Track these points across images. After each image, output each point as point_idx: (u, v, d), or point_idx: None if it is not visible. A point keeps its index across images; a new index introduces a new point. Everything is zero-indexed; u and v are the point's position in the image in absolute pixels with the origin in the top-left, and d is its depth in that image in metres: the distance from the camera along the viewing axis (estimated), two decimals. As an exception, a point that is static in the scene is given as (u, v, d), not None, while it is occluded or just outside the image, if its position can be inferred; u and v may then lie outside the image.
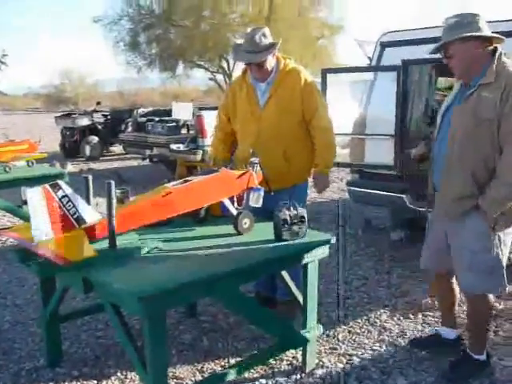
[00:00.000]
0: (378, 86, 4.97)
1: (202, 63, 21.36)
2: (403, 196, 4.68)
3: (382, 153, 4.78)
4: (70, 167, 11.29)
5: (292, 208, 2.72)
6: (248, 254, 2.51)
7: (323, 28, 20.28)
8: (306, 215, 2.75)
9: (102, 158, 13.01)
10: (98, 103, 13.91)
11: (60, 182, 2.32)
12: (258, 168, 3.01)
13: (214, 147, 3.71)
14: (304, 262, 2.71)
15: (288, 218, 2.67)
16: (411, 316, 3.72)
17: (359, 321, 3.65)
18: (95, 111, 13.49)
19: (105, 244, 2.40)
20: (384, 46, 4.88)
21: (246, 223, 2.82)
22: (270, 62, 3.28)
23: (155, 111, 10.70)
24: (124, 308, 2.31)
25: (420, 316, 3.72)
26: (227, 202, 2.87)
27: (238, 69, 21.51)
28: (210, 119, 8.53)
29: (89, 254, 2.15)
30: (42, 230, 2.24)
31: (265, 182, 3.04)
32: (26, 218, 5.57)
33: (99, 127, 13.06)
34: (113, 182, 2.37)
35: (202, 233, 2.84)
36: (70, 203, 2.34)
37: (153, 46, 20.91)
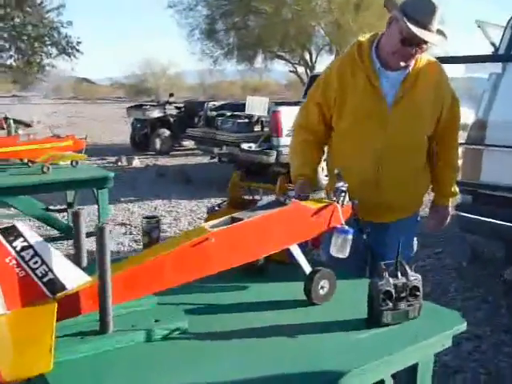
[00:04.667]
0: (506, 81, 3.79)
1: (283, 54, 20.08)
2: (536, 230, 3.52)
3: (506, 170, 3.62)
4: (137, 162, 10.68)
5: (399, 272, 1.69)
6: (327, 354, 1.51)
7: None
8: (420, 283, 1.71)
9: (172, 153, 12.36)
10: (171, 95, 13.26)
11: (19, 226, 1.41)
12: (347, 198, 2.00)
13: (302, 158, 2.48)
14: (414, 361, 1.68)
15: (393, 290, 1.65)
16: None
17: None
18: (168, 103, 12.85)
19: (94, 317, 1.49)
20: (519, 28, 3.69)
21: (323, 288, 1.82)
22: None
23: (227, 105, 9.84)
24: None
25: None
26: (296, 251, 1.88)
27: (323, 60, 20.21)
28: (288, 116, 7.67)
29: (45, 367, 1.21)
30: (-14, 302, 1.35)
31: (355, 219, 2.04)
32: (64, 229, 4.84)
33: (171, 120, 12.40)
34: (107, 228, 1.44)
35: (257, 296, 1.87)
36: (36, 258, 1.43)
37: (231, 35, 19.71)
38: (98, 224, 1.45)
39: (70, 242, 5.07)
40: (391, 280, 1.65)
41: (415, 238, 2.49)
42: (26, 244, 1.41)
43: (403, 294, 1.66)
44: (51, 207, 5.54)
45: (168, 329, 1.57)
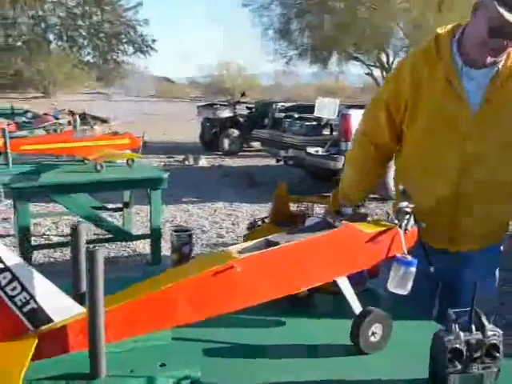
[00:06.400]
0: None
1: (358, 56, 19.43)
2: None
3: None
4: (203, 161, 10.56)
5: (473, 323, 1.31)
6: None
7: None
8: (501, 340, 1.33)
9: (239, 154, 12.17)
10: (243, 94, 13.09)
11: (-8, 243, 1.16)
12: (412, 221, 1.64)
13: (354, 178, 2.16)
14: None
15: (464, 348, 1.28)
16: None
17: None
18: (238, 102, 12.68)
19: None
20: None
21: (375, 334, 1.47)
22: None
23: (296, 106, 9.52)
24: None
25: None
26: (343, 284, 1.54)
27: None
28: (359, 120, 7.17)
29: None
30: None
31: (422, 247, 1.68)
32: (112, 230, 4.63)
33: (241, 120, 12.22)
34: (99, 252, 1.16)
35: (292, 337, 1.55)
36: (14, 284, 1.17)
37: (305, 35, 19.29)
38: (90, 248, 1.17)
39: (122, 243, 4.93)
40: (462, 335, 1.28)
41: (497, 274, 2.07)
42: (1, 266, 1.16)
43: (477, 354, 1.28)
44: (110, 206, 5.44)
45: (175, 377, 1.27)
